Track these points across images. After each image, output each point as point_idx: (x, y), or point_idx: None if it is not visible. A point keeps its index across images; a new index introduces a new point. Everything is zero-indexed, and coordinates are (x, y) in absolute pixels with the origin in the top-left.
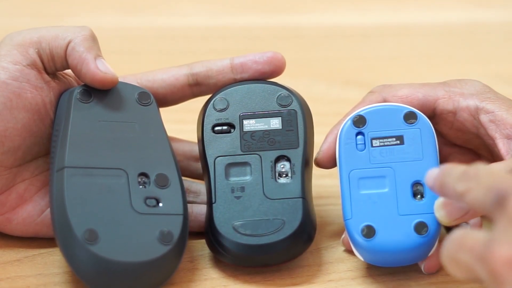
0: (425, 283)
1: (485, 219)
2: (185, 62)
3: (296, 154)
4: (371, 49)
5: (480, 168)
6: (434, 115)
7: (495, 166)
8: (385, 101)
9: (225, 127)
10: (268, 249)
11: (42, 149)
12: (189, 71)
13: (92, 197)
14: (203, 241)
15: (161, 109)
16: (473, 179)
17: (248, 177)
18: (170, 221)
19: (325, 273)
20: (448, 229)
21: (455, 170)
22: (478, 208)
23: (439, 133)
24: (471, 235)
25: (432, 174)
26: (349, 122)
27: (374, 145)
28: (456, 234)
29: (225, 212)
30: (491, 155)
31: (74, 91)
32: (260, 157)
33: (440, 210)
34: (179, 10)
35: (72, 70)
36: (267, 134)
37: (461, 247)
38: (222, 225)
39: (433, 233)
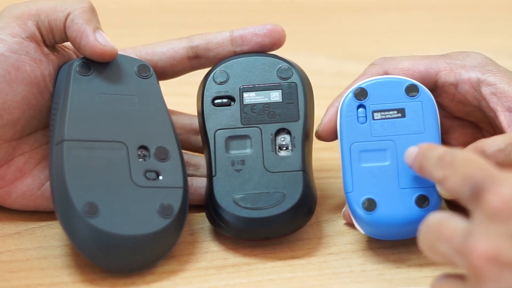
0: (425, 256)
1: None
2: (184, 35)
3: (297, 127)
4: (372, 22)
5: (457, 155)
6: (435, 87)
7: (494, 139)
8: (386, 74)
9: (225, 100)
10: (268, 222)
11: (41, 122)
12: (189, 44)
13: (91, 170)
14: (203, 214)
15: (161, 82)
16: (449, 166)
17: (248, 150)
18: (170, 194)
19: (326, 246)
20: (449, 202)
21: (433, 153)
22: (456, 197)
23: (441, 106)
24: (449, 224)
25: (411, 154)
26: (350, 94)
27: (375, 118)
28: (432, 220)
29: (225, 185)
30: (492, 128)
31: (73, 63)
32: (260, 130)
33: None
34: None
35: (71, 43)
36: (267, 107)
37: (438, 236)
38: (223, 198)
39: (434, 206)
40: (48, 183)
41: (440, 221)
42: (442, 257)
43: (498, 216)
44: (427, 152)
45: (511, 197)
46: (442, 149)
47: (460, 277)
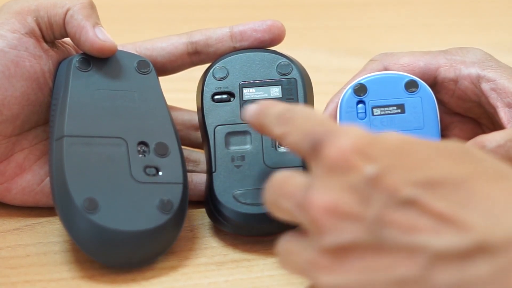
0: None
1: None
2: (184, 31)
3: None
4: (372, 18)
5: (297, 111)
6: (435, 83)
7: (493, 135)
8: (386, 70)
9: (225, 96)
10: (268, 218)
11: (41, 118)
12: (189, 40)
13: (91, 166)
14: (203, 210)
15: (161, 78)
16: (289, 122)
17: (248, 146)
18: (170, 189)
19: None
20: None
21: (272, 110)
22: (297, 153)
23: (440, 102)
24: (291, 181)
25: (250, 112)
26: (350, 90)
27: (375, 113)
28: (276, 178)
29: (225, 181)
30: (492, 124)
31: (72, 59)
32: None
33: None
34: None
35: (71, 38)
36: None
37: (281, 193)
38: (222, 194)
39: None
40: (47, 179)
41: (283, 178)
42: (286, 214)
43: (336, 167)
44: (266, 109)
45: (348, 148)
46: (282, 106)
47: (304, 234)
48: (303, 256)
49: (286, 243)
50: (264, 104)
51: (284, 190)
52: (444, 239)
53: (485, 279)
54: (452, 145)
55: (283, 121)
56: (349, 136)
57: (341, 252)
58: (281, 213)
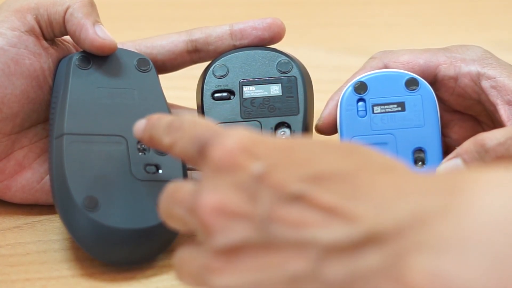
0: None
1: None
2: (184, 29)
3: (296, 121)
4: (372, 16)
5: (185, 119)
6: (435, 81)
7: (494, 133)
8: (386, 67)
9: (225, 94)
10: None
11: (41, 116)
12: (188, 38)
13: (91, 164)
14: None
15: (161, 76)
16: (178, 130)
17: None
18: None
19: None
20: None
21: (161, 122)
22: (187, 161)
23: (440, 100)
24: (183, 188)
25: (140, 126)
26: (350, 88)
27: (375, 111)
28: (169, 187)
29: None
30: (492, 121)
31: (72, 57)
32: (260, 123)
33: None
34: None
35: (71, 36)
36: (267, 100)
37: (173, 200)
38: None
39: None
40: (47, 177)
41: (175, 186)
42: (179, 221)
43: (222, 167)
44: (155, 121)
45: (232, 147)
46: (170, 117)
47: (197, 242)
48: (196, 262)
49: (179, 253)
50: (153, 117)
51: (175, 197)
52: (333, 232)
53: (376, 269)
54: (339, 142)
55: (172, 129)
56: (234, 136)
57: (233, 252)
58: (174, 222)
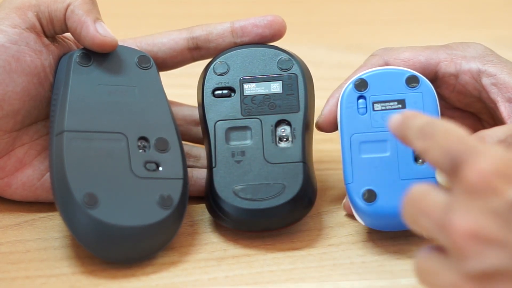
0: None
1: None
2: (185, 26)
3: (297, 118)
4: (373, 13)
5: (438, 126)
6: (436, 78)
7: (494, 130)
8: (387, 65)
9: (225, 91)
10: (268, 214)
11: (42, 113)
12: (189, 35)
13: (91, 161)
14: (203, 205)
15: (161, 74)
16: (430, 137)
17: (248, 141)
18: (170, 185)
19: (326, 238)
20: None
21: (414, 123)
22: (438, 169)
23: (441, 97)
24: (429, 197)
25: (393, 122)
26: (351, 85)
27: (375, 109)
28: (414, 193)
29: (225, 176)
30: (493, 119)
31: (73, 54)
32: (261, 121)
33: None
34: None
35: (72, 34)
36: (268, 98)
37: (420, 210)
38: (222, 190)
39: None
40: (48, 174)
41: (421, 193)
42: (424, 230)
43: (476, 191)
44: (408, 121)
45: (489, 170)
46: (423, 119)
47: (443, 252)
48: (446, 279)
49: (426, 261)
50: (406, 115)
51: (423, 207)
52: None
53: None
54: None
55: (424, 135)
56: (490, 157)
57: (485, 278)
58: (419, 229)
